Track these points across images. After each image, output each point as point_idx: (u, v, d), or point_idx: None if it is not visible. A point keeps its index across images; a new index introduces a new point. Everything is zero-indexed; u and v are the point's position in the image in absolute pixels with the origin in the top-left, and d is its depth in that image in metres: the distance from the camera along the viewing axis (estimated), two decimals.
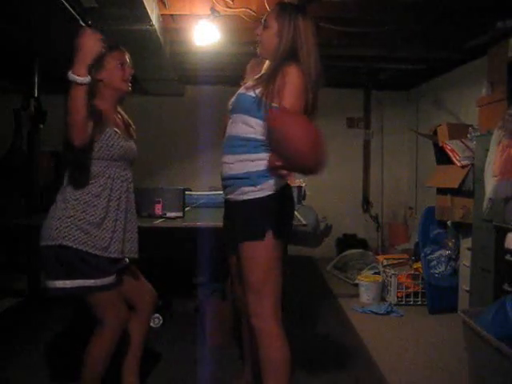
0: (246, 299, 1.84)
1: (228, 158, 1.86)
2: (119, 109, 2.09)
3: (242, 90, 1.88)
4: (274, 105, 1.74)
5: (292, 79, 1.76)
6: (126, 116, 2.11)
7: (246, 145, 1.82)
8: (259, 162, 1.79)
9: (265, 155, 1.74)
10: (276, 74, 1.79)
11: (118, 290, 1.96)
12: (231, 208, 1.91)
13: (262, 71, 1.92)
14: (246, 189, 1.80)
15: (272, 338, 1.81)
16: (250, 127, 1.81)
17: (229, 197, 1.90)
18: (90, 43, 1.67)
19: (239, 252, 1.83)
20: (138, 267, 2.14)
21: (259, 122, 1.78)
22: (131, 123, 2.11)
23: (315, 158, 1.69)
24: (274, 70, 1.81)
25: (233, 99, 1.92)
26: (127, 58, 2.03)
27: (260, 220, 1.79)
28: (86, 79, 1.66)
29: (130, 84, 2.03)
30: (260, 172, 1.79)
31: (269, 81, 1.79)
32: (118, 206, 1.93)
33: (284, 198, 1.87)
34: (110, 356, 1.94)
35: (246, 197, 1.81)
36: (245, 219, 1.83)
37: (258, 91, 1.79)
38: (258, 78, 1.87)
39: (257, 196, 1.79)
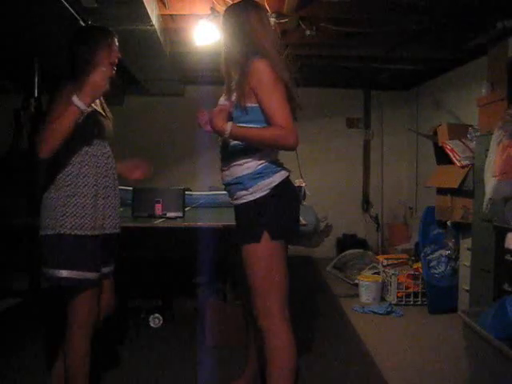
0: (252, 301, 1.86)
1: (223, 166, 1.93)
2: None
3: (222, 102, 1.93)
4: (248, 105, 1.80)
5: (261, 76, 1.78)
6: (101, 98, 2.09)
7: (234, 151, 1.87)
8: (247, 164, 1.84)
9: (251, 158, 1.83)
10: (246, 73, 1.80)
11: (98, 289, 1.98)
12: (235, 212, 1.96)
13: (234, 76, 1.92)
14: (240, 193, 1.86)
15: (279, 338, 1.82)
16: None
17: (231, 202, 1.96)
18: (103, 82, 1.78)
19: (241, 255, 1.86)
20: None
21: (242, 125, 1.81)
22: (105, 105, 2.12)
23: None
24: (242, 70, 1.83)
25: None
26: (115, 41, 2.02)
27: (255, 223, 1.81)
28: (88, 109, 1.78)
29: (114, 68, 2.02)
30: (250, 175, 1.83)
31: (242, 83, 1.82)
32: (106, 182, 1.97)
33: (281, 197, 1.86)
34: (88, 349, 1.94)
35: (240, 201, 1.86)
36: (241, 223, 1.89)
37: (241, 100, 1.82)
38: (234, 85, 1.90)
39: (249, 199, 1.83)
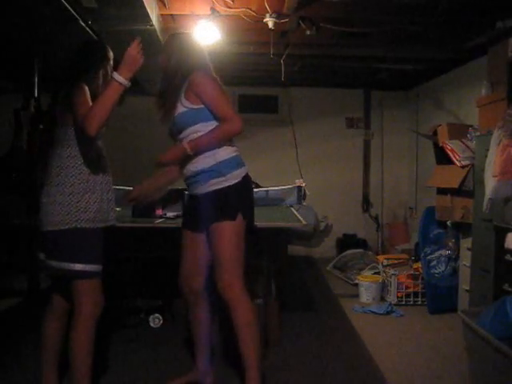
0: (218, 274, 2.13)
1: (190, 159, 2.15)
2: None
3: (175, 113, 2.18)
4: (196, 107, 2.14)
5: (200, 83, 2.14)
6: None
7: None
8: (220, 153, 2.14)
9: (224, 147, 2.15)
10: (190, 83, 2.15)
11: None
12: (198, 200, 2.18)
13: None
14: (215, 180, 2.12)
15: (245, 303, 2.13)
16: (200, 132, 2.13)
17: (196, 192, 2.19)
18: (139, 55, 1.95)
19: (211, 234, 2.13)
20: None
21: (203, 123, 2.14)
22: None
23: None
24: (182, 82, 2.18)
25: (172, 126, 2.24)
26: (109, 55, 2.20)
27: (231, 204, 2.12)
28: (128, 84, 1.92)
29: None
30: (226, 163, 2.14)
31: (187, 91, 2.16)
32: (107, 177, 2.10)
33: (246, 186, 2.22)
34: (92, 342, 2.01)
35: (215, 187, 2.12)
36: (218, 205, 2.12)
37: (185, 103, 2.14)
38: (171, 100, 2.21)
39: (226, 185, 2.12)
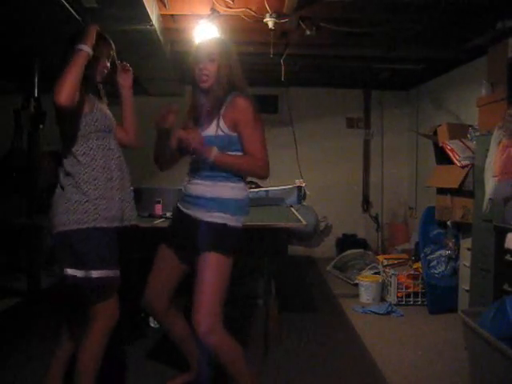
0: (198, 313, 1.96)
1: (204, 181, 2.03)
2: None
3: (206, 133, 2.00)
4: (230, 134, 1.99)
5: (246, 112, 1.99)
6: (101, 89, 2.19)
7: (226, 175, 2.02)
8: (235, 191, 2.03)
9: (242, 184, 2.06)
10: (228, 106, 2.00)
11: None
12: (194, 223, 2.02)
13: (204, 106, 2.06)
14: (224, 215, 1.99)
15: (227, 345, 2.00)
16: None
17: (196, 215, 2.03)
18: (93, 30, 1.97)
19: (201, 262, 1.98)
20: None
21: (238, 153, 2.02)
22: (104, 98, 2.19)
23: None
24: (220, 102, 2.01)
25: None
26: (107, 50, 2.09)
27: (232, 241, 2.02)
28: (90, 51, 1.91)
29: (102, 76, 2.10)
30: (237, 202, 2.03)
31: (224, 114, 1.99)
32: (119, 175, 2.04)
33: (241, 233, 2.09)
34: (103, 354, 1.96)
35: (221, 221, 1.99)
36: (218, 236, 1.99)
37: (223, 127, 1.98)
38: (207, 115, 2.03)
39: (232, 224, 2.00)
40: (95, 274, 1.89)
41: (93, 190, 1.93)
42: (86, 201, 1.91)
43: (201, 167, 2.04)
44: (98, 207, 1.92)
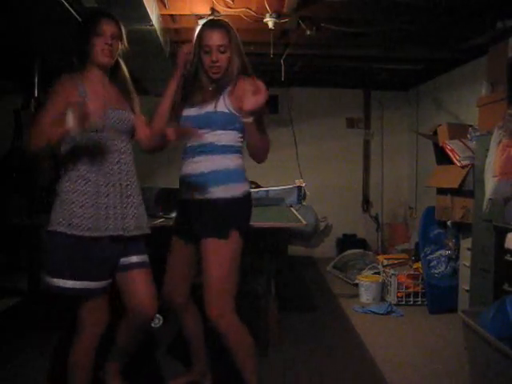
0: (208, 298, 1.96)
1: (208, 158, 1.99)
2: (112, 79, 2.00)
3: (205, 109, 2.00)
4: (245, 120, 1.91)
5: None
6: (127, 84, 2.03)
7: (229, 150, 2.02)
8: (236, 161, 2.03)
9: (236, 157, 2.03)
10: (229, 85, 2.01)
11: (105, 295, 1.92)
12: (198, 206, 2.01)
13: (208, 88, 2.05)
14: (227, 186, 1.97)
15: (237, 331, 1.99)
16: (228, 136, 2.01)
17: (199, 195, 1.99)
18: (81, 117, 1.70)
19: (206, 248, 1.97)
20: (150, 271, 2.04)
21: (235, 132, 2.02)
22: (131, 91, 2.03)
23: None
24: (231, 80, 2.01)
25: (195, 118, 2.02)
26: (109, 26, 1.89)
27: (242, 213, 2.04)
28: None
29: (108, 55, 1.90)
30: (239, 171, 2.03)
31: (229, 93, 2.00)
32: (109, 179, 1.84)
33: (250, 202, 2.09)
34: (92, 361, 1.92)
35: (216, 195, 1.96)
36: (217, 217, 1.97)
37: (228, 105, 1.98)
38: (208, 94, 2.02)
39: (238, 195, 1.99)
40: (52, 281, 1.81)
41: (65, 192, 1.80)
42: (59, 202, 1.80)
43: (196, 146, 2.02)
44: (64, 211, 1.78)
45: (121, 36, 1.96)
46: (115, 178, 1.86)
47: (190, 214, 2.06)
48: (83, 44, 1.88)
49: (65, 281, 1.79)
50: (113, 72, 1.99)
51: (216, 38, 2.01)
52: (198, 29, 2.09)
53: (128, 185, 1.90)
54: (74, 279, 1.79)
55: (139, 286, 1.95)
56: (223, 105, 1.99)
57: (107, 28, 1.88)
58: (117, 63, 1.99)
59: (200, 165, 2.01)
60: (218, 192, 1.97)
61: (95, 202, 1.80)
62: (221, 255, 1.96)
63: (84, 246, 1.79)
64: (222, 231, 1.96)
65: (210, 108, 2.00)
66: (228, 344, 1.99)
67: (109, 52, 1.89)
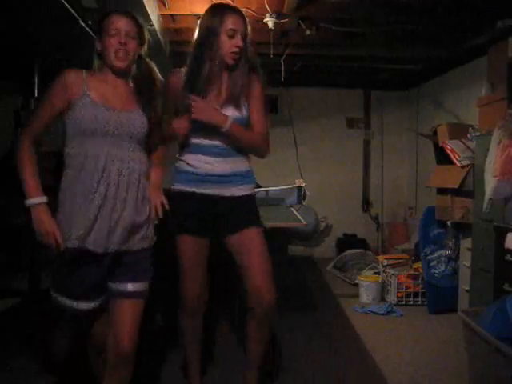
0: (266, 284, 2.00)
1: (227, 160, 2.03)
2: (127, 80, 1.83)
3: (232, 114, 1.98)
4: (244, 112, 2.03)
5: (261, 89, 2.07)
6: (151, 82, 1.87)
7: (241, 151, 2.07)
8: (247, 163, 2.11)
9: (245, 158, 2.10)
10: (251, 83, 2.04)
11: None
12: (226, 202, 2.05)
13: (226, 83, 2.02)
14: (247, 186, 2.09)
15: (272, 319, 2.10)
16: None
17: (233, 193, 2.05)
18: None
19: (250, 238, 2.03)
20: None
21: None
22: (146, 92, 1.82)
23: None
24: (242, 79, 2.01)
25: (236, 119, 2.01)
26: (122, 24, 1.70)
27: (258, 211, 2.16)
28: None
29: (122, 58, 1.71)
30: (251, 173, 2.13)
31: (244, 90, 2.01)
32: (109, 190, 1.66)
33: None
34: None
35: (245, 192, 2.08)
36: (254, 210, 2.11)
37: (245, 107, 2.01)
38: (231, 96, 2.00)
39: (252, 193, 2.13)
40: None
41: (59, 197, 1.73)
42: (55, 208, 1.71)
43: (214, 146, 2.00)
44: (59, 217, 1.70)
45: (139, 35, 1.76)
46: (112, 190, 1.67)
47: (214, 210, 2.05)
48: (98, 45, 1.75)
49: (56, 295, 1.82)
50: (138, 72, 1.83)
51: (241, 23, 1.94)
52: (210, 11, 1.98)
53: (125, 199, 1.70)
54: (60, 296, 1.81)
55: (124, 319, 1.78)
56: (244, 108, 2.03)
57: (120, 26, 1.69)
58: (139, 63, 1.81)
59: (222, 165, 2.03)
60: (243, 190, 2.08)
61: (76, 212, 1.67)
62: (263, 242, 2.06)
63: (61, 257, 1.70)
64: (258, 221, 2.10)
65: (236, 113, 2.00)
66: (269, 333, 2.09)
67: (124, 54, 1.70)
